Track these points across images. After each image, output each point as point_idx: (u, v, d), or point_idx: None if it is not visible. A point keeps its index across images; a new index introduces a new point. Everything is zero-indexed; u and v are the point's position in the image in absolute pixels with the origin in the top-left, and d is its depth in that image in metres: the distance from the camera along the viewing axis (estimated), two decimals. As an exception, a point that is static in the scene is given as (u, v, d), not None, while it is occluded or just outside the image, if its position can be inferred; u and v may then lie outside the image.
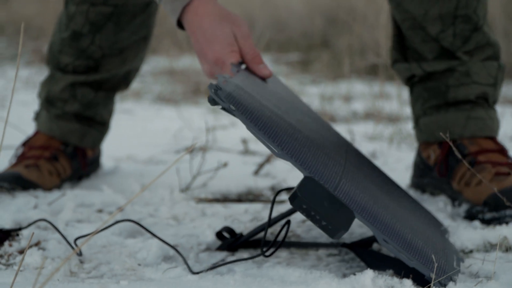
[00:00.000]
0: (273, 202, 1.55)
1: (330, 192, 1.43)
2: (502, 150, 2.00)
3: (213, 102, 1.42)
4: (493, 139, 2.02)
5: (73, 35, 2.25)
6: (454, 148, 1.72)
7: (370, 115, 3.43)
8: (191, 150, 2.66)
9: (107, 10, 2.19)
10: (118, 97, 4.14)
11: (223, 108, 1.43)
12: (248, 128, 1.44)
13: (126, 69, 2.33)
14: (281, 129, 1.53)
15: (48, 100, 2.31)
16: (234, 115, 1.43)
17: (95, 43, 2.24)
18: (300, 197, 1.40)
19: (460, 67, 2.01)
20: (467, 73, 2.01)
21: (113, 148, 2.65)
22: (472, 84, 2.01)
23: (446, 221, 1.89)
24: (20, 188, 2.12)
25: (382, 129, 2.98)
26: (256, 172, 2.39)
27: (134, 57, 2.32)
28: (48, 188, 2.18)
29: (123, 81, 2.37)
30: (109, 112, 2.39)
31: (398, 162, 2.53)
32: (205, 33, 1.71)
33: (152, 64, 5.59)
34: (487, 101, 2.04)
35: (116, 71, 2.30)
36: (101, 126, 2.36)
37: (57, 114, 2.30)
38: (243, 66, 1.79)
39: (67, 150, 2.27)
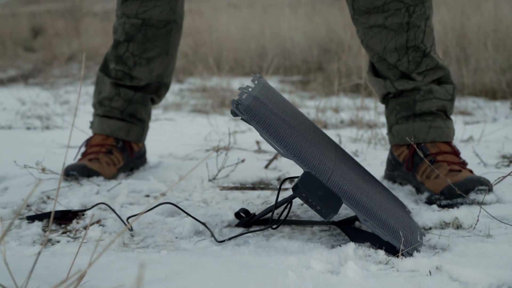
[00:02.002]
0: (279, 190, 1.56)
1: (324, 184, 1.43)
2: (455, 152, 1.99)
3: (234, 114, 1.44)
4: (449, 143, 2.01)
5: (115, 44, 2.28)
6: (418, 150, 1.71)
7: (353, 123, 3.41)
8: (217, 149, 2.65)
9: (138, 22, 2.20)
10: (163, 108, 4.16)
11: (242, 119, 1.43)
12: (261, 134, 1.44)
13: (155, 80, 2.31)
14: (287, 133, 1.53)
15: (99, 102, 2.31)
16: (250, 124, 1.43)
17: (129, 50, 2.24)
18: (301, 188, 1.43)
19: (425, 87, 2.01)
20: (430, 91, 2.00)
21: (158, 147, 2.65)
22: (434, 99, 2.00)
23: (411, 205, 1.88)
24: (85, 175, 2.13)
25: (362, 133, 2.96)
26: (266, 166, 2.38)
27: (159, 69, 2.29)
28: (107, 175, 2.19)
29: (155, 92, 2.34)
30: (147, 113, 2.36)
31: (375, 159, 2.51)
32: None
33: (189, 84, 5.61)
34: (445, 113, 2.04)
35: (147, 81, 2.28)
36: (141, 123, 2.33)
37: (106, 112, 2.30)
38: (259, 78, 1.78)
39: (118, 145, 2.27)
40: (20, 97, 4.55)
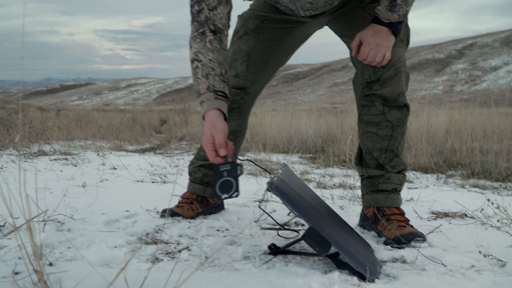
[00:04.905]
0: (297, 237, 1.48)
1: (321, 234, 1.37)
2: (402, 213, 1.90)
3: (268, 190, 1.38)
4: (398, 208, 1.92)
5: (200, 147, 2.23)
6: (377, 214, 1.64)
7: (341, 185, 3.32)
8: (260, 201, 2.59)
9: None
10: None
11: (273, 193, 1.38)
12: (285, 204, 1.39)
13: None
14: (300, 203, 1.47)
15: (189, 173, 2.25)
16: (278, 197, 1.38)
17: None
18: (306, 236, 1.37)
19: (386, 175, 1.92)
20: (389, 178, 1.92)
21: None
22: (390, 183, 1.92)
23: (374, 245, 1.77)
24: (171, 216, 2.08)
25: (346, 193, 2.87)
26: (288, 214, 2.28)
27: None
28: (187, 216, 2.11)
29: None
30: None
31: (353, 211, 2.41)
32: (205, 129, 1.63)
33: (247, 156, 5.56)
34: (396, 190, 1.94)
35: None
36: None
37: (192, 179, 2.24)
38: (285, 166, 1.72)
39: (198, 198, 2.19)
40: (150, 161, 4.56)
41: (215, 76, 1.69)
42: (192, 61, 1.72)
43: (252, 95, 2.12)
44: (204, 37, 1.72)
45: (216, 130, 1.59)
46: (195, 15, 1.72)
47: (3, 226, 1.78)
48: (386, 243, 1.78)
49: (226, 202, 2.53)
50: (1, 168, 3.64)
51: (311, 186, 3.33)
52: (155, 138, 8.96)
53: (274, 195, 1.43)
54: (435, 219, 2.25)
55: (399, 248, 1.71)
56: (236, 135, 2.18)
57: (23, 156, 4.63)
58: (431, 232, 1.92)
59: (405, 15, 1.74)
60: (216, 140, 1.58)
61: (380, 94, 1.85)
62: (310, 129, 6.27)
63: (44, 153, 4.92)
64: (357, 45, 1.81)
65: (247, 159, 1.67)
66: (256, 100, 2.19)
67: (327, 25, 2.04)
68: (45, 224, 1.83)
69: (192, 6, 1.73)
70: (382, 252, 1.65)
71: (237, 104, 2.10)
